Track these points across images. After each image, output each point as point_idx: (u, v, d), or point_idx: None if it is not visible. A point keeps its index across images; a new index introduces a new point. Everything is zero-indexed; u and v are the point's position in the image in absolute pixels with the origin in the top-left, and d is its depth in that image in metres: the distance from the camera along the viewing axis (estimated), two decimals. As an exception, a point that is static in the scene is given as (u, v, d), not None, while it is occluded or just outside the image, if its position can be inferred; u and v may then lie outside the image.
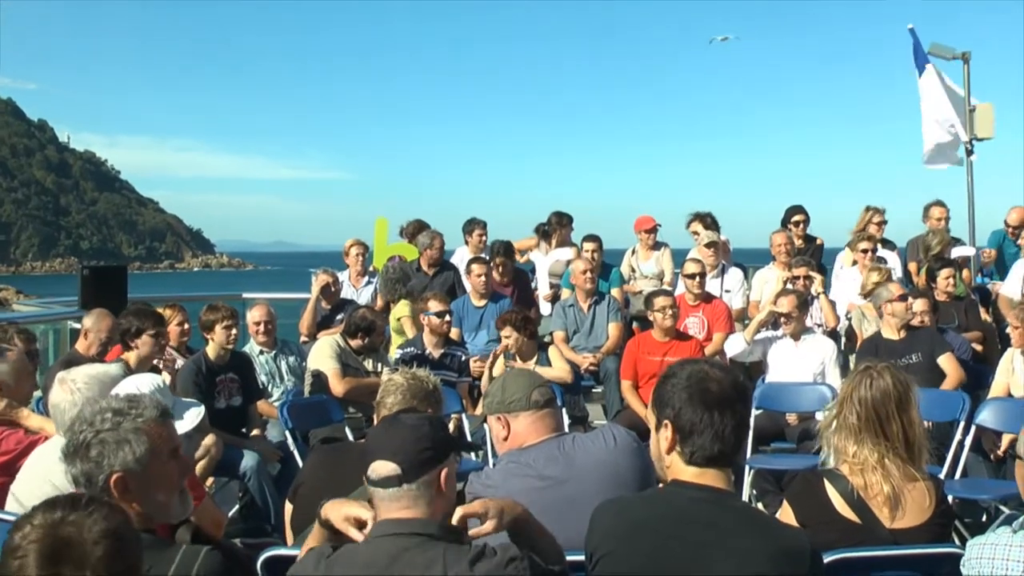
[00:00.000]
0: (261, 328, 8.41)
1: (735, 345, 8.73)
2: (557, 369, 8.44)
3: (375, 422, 4.13)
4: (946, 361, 7.88)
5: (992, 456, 7.25)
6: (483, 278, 9.89)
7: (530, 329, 8.62)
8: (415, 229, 11.81)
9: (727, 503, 2.93)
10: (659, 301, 8.40)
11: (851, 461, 3.66)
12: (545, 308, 10.58)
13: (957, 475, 6.86)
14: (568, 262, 10.77)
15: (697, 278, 9.44)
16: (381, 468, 2.88)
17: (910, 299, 8.18)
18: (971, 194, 12.93)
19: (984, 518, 7.02)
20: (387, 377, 4.51)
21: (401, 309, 9.57)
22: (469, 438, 7.37)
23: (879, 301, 8.24)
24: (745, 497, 7.06)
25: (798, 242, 10.85)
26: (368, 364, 8.08)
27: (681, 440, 2.96)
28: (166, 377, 6.98)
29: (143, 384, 4.24)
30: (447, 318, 8.63)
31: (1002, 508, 6.54)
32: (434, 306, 8.58)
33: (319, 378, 7.84)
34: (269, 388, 8.25)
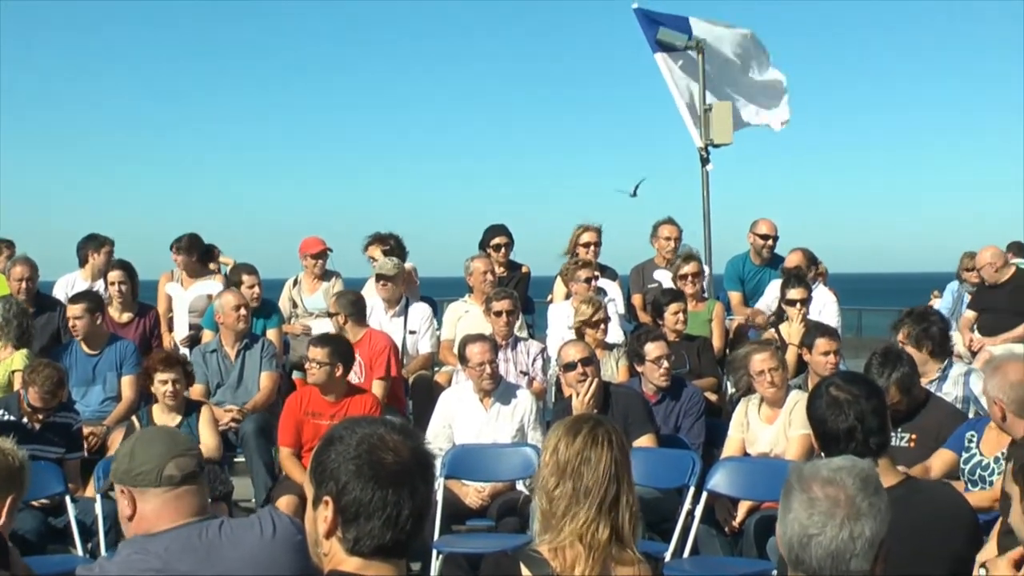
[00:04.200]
0: None
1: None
2: (204, 444, 8.34)
3: None
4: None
5: (727, 529, 7.66)
6: (85, 319, 9.61)
7: (191, 378, 8.60)
8: None
9: None
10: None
11: (554, 540, 3.76)
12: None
13: (686, 552, 7.24)
14: (211, 296, 10.67)
15: (335, 319, 9.63)
16: None
17: (581, 367, 8.17)
18: (707, 210, 13.60)
19: (719, 603, 7.37)
20: None
21: (18, 361, 9.19)
22: (75, 525, 7.23)
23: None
24: (434, 588, 7.23)
25: (499, 270, 11.08)
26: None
27: (344, 524, 2.89)
28: None
29: None
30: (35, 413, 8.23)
31: (738, 591, 7.00)
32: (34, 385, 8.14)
33: None
34: None
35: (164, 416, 8.40)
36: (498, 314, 9.60)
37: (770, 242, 11.64)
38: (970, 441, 6.65)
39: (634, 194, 16.57)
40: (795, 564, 3.13)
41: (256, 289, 10.44)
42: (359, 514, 2.87)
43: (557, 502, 3.81)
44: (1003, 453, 6.26)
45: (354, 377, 9.23)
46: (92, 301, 9.78)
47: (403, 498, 2.89)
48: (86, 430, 8.73)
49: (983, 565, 5.32)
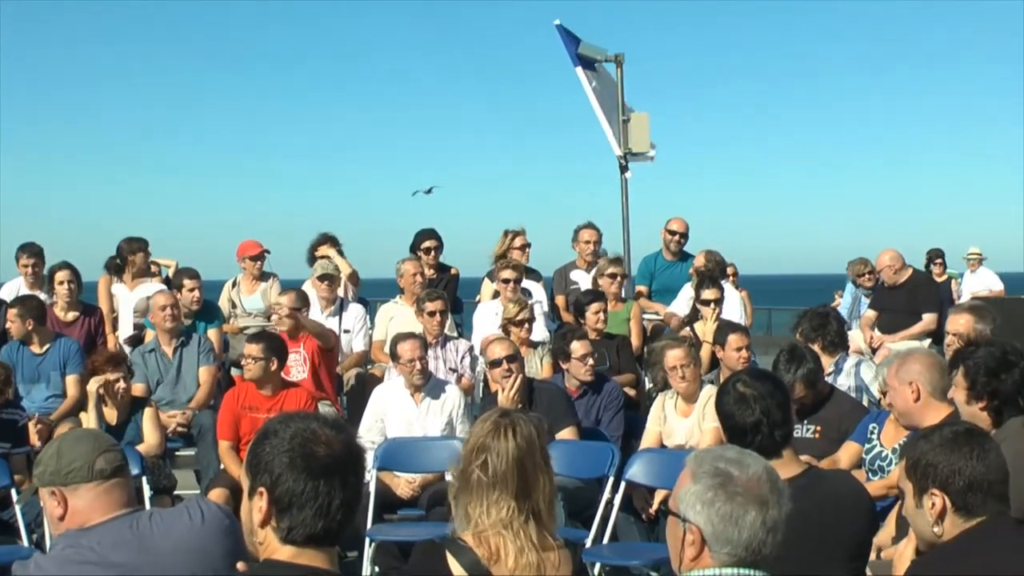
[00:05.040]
0: None
1: None
2: (146, 441, 8.29)
3: None
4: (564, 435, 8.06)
5: (644, 516, 7.74)
6: (17, 324, 9.51)
7: (123, 374, 8.50)
8: None
9: None
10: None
11: (479, 528, 3.76)
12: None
13: (606, 538, 7.25)
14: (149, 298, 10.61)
15: (288, 311, 9.58)
16: None
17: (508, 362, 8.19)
18: (626, 215, 13.70)
19: (636, 585, 7.41)
20: None
21: None
22: (20, 517, 7.15)
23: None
24: (367, 574, 7.20)
25: (429, 272, 11.09)
26: None
27: (278, 513, 2.91)
28: None
29: None
30: None
31: (653, 574, 7.01)
32: None
33: None
34: None
35: (113, 414, 8.40)
36: (431, 314, 9.59)
37: (678, 238, 11.78)
38: (872, 433, 6.80)
39: (428, 192, 18.01)
40: (723, 543, 3.08)
41: (196, 292, 10.41)
42: (292, 504, 2.89)
43: (470, 491, 3.84)
44: (900, 444, 6.45)
45: (299, 371, 9.33)
46: (25, 307, 9.63)
47: (334, 489, 2.90)
48: (31, 424, 8.59)
49: (879, 549, 5.38)
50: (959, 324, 7.28)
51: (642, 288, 11.85)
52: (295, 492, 2.89)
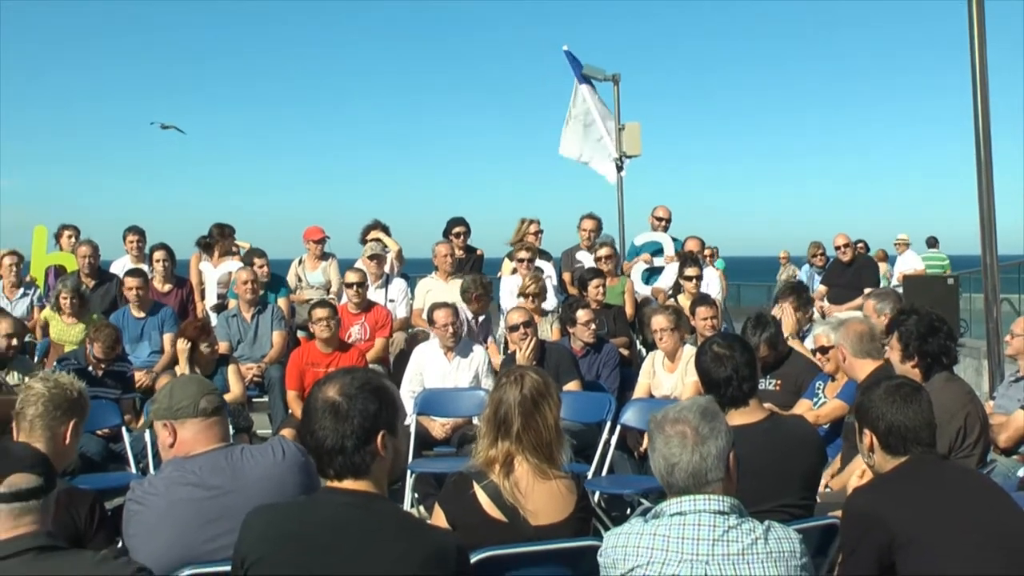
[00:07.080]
0: None
1: None
2: (231, 391, 8.39)
3: (15, 435, 4.07)
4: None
5: (636, 453, 7.80)
6: (135, 291, 9.70)
7: (210, 339, 8.62)
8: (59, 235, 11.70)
9: (375, 508, 2.98)
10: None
11: (498, 460, 3.86)
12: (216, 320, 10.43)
13: (604, 472, 7.35)
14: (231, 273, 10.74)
15: (355, 287, 9.70)
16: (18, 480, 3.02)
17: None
18: (621, 208, 13.86)
19: (629, 512, 7.44)
20: (27, 384, 4.29)
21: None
22: (129, 449, 7.35)
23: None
24: (408, 500, 7.30)
25: (459, 253, 11.13)
26: (12, 378, 7.68)
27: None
28: None
29: None
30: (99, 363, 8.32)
31: (643, 501, 7.11)
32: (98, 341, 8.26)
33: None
34: None
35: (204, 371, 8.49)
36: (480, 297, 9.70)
37: (663, 223, 11.86)
38: (819, 389, 6.94)
39: (165, 127, 17.81)
40: (668, 487, 3.23)
41: (265, 268, 10.54)
42: (323, 444, 3.00)
43: (489, 430, 3.94)
44: (837, 394, 6.71)
45: (358, 332, 9.51)
46: (142, 279, 9.83)
47: (316, 431, 2.99)
48: (137, 374, 8.84)
49: (827, 485, 5.52)
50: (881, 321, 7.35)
51: (627, 264, 11.97)
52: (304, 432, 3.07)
